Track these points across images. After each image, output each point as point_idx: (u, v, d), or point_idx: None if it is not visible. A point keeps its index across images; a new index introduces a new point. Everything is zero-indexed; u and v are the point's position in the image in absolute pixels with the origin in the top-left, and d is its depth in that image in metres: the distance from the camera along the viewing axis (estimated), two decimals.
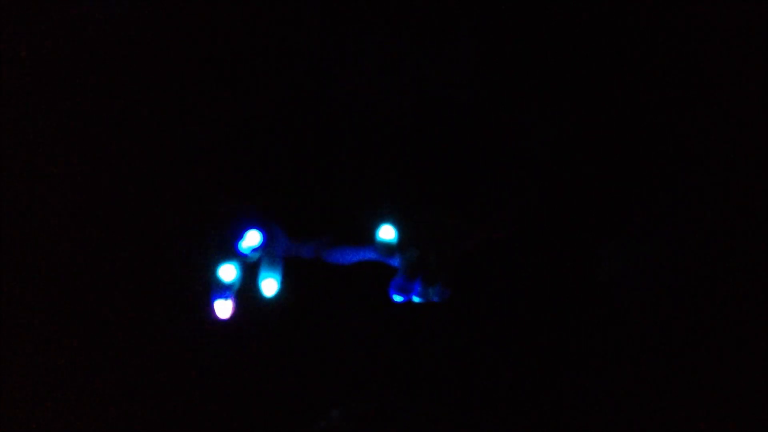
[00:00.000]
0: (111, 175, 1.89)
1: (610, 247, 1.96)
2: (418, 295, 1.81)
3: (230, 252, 1.81)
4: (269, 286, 1.82)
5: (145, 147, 1.90)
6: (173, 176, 1.91)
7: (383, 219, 1.81)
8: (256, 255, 1.81)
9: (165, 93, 1.90)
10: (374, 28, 1.91)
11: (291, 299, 1.88)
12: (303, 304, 1.92)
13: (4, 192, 1.85)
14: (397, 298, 1.80)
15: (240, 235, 1.80)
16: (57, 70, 1.86)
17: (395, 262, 1.83)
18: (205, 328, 1.87)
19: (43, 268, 1.86)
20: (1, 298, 1.84)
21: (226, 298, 1.79)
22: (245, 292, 1.83)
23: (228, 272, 1.79)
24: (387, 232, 1.80)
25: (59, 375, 1.86)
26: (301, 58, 1.92)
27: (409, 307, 1.89)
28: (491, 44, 1.94)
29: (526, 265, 1.95)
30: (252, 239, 1.79)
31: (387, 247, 1.81)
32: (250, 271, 1.84)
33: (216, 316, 1.79)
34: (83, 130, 1.88)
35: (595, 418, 1.91)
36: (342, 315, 1.94)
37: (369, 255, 1.85)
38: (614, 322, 1.94)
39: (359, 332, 1.94)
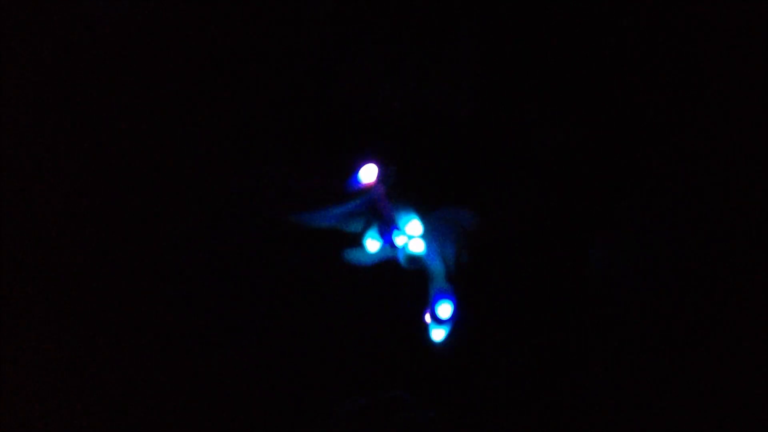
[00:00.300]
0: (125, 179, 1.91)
1: (604, 247, 1.97)
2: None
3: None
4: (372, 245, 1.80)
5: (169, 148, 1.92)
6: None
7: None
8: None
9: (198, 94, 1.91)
10: (384, 35, 1.92)
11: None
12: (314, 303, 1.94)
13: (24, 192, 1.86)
14: (435, 327, 1.77)
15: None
16: (58, 70, 1.86)
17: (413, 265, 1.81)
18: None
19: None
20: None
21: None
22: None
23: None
24: (416, 246, 1.77)
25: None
26: (321, 63, 1.93)
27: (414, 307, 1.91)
28: (495, 48, 1.95)
29: (521, 264, 1.96)
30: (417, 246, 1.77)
31: (413, 259, 1.79)
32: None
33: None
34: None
35: (595, 418, 1.92)
36: (349, 311, 1.95)
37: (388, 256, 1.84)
38: (609, 320, 1.95)
39: (364, 330, 1.95)
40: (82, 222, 1.87)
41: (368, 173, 1.75)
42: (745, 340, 1.90)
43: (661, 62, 1.97)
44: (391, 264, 1.90)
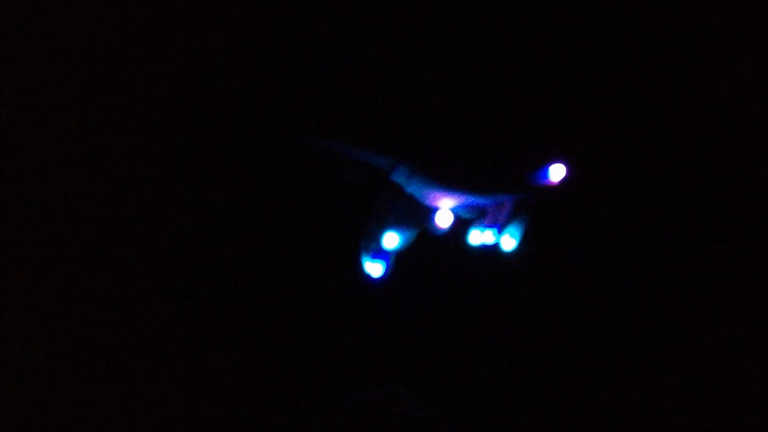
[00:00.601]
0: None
1: (597, 244, 1.97)
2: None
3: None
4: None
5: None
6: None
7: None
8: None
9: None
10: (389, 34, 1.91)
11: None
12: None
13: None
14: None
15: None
16: (58, 70, 1.85)
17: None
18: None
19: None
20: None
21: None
22: None
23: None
24: (508, 244, 1.83)
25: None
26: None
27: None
28: (495, 48, 1.94)
29: (519, 261, 1.96)
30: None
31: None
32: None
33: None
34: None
35: (592, 417, 1.93)
36: (347, 308, 1.96)
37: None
38: (603, 317, 1.96)
39: (362, 327, 1.96)
40: (82, 222, 1.87)
41: (557, 172, 1.78)
42: (733, 336, 1.91)
43: (659, 62, 1.97)
44: (390, 264, 1.92)
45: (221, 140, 1.91)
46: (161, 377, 1.88)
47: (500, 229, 1.81)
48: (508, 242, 1.82)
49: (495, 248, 1.83)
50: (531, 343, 1.98)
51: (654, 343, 1.95)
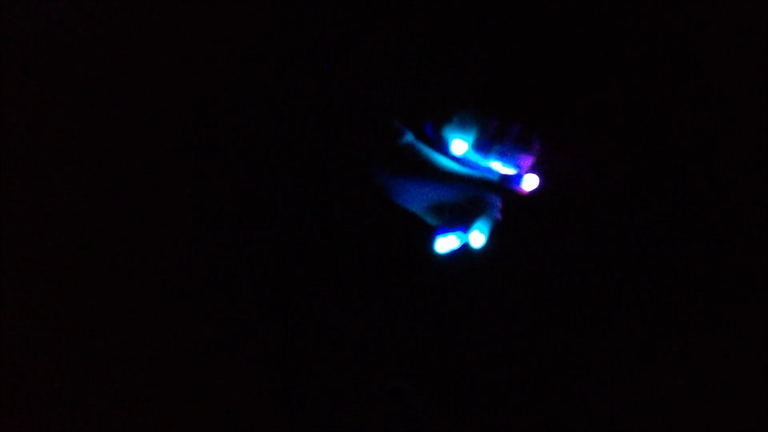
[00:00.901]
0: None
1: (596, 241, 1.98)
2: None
3: None
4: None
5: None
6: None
7: None
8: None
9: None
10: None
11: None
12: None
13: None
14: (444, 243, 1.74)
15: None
16: (58, 70, 1.86)
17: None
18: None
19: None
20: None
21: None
22: None
23: None
24: (476, 240, 1.77)
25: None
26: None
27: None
28: (497, 47, 1.95)
29: (519, 257, 1.96)
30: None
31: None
32: None
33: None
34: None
35: (593, 416, 1.93)
36: (349, 302, 1.96)
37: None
38: (603, 315, 1.96)
39: (364, 320, 1.96)
40: (82, 222, 1.88)
41: (530, 182, 1.76)
42: (733, 336, 1.92)
43: (660, 62, 1.97)
44: (389, 256, 1.92)
45: (221, 140, 1.91)
46: (161, 376, 1.88)
47: (466, 230, 1.79)
48: (477, 238, 1.79)
49: (465, 248, 1.81)
50: (530, 343, 1.98)
51: (647, 346, 1.95)
